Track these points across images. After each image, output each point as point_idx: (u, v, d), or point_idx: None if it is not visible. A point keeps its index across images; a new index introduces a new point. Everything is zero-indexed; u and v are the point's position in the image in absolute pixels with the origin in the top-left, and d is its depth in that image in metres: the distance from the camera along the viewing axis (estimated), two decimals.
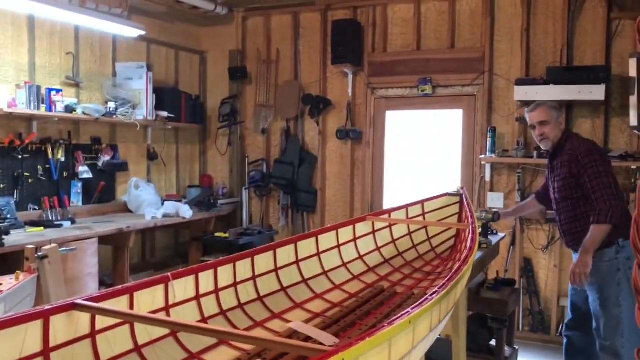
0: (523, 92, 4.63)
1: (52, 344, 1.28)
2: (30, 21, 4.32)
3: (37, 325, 1.26)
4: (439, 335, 3.61)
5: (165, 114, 5.27)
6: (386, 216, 2.81)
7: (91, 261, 3.92)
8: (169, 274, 1.66)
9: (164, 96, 5.34)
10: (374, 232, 2.72)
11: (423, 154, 5.46)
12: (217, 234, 5.30)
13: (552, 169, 3.30)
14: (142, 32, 4.75)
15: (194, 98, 5.88)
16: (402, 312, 1.32)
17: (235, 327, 1.80)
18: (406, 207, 2.94)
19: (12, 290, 2.23)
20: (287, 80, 5.85)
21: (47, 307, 1.30)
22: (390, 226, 2.82)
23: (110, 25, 4.54)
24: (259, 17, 5.96)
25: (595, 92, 4.40)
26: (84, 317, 1.38)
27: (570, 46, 4.75)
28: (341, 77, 5.64)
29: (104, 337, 1.43)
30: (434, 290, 1.54)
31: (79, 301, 1.34)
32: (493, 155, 4.86)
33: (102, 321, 1.43)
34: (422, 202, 3.01)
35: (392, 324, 1.23)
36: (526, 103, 4.79)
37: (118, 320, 1.46)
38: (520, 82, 4.67)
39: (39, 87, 4.20)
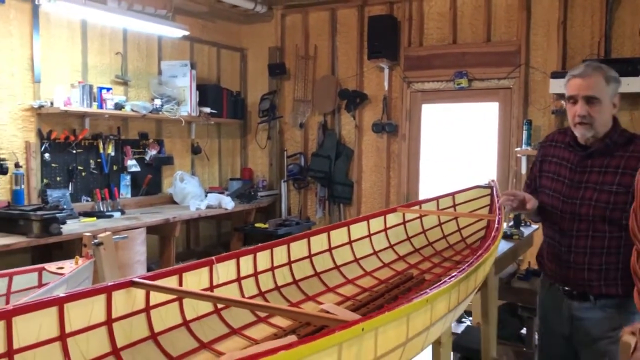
0: (559, 85, 4.63)
1: (113, 315, 1.48)
2: (83, 25, 4.60)
3: (101, 298, 1.46)
4: (470, 322, 3.72)
5: (208, 109, 5.51)
6: (417, 207, 2.94)
7: (140, 249, 4.19)
8: (213, 257, 1.84)
9: (206, 93, 5.58)
10: (404, 222, 2.85)
11: (459, 146, 5.53)
12: (257, 225, 5.52)
13: (582, 171, 2.19)
14: (186, 32, 4.98)
15: (234, 94, 6.10)
16: (421, 292, 1.46)
17: None
18: (437, 198, 3.05)
19: (73, 273, 2.48)
20: (324, 76, 6.00)
21: (109, 283, 1.50)
22: (420, 217, 2.94)
23: (155, 27, 4.78)
24: (297, 14, 6.12)
25: (633, 84, 4.39)
26: (140, 294, 1.57)
27: (608, 38, 4.73)
28: (377, 72, 5.75)
29: (157, 312, 1.62)
30: (453, 274, 1.67)
31: (136, 279, 1.54)
32: (529, 148, 4.90)
33: (155, 298, 1.62)
34: (452, 194, 3.11)
35: (410, 302, 1.37)
36: (562, 96, 4.81)
37: (170, 297, 1.65)
38: (556, 75, 4.69)
39: (91, 86, 4.48)
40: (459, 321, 3.93)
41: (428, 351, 2.50)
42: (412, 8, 5.55)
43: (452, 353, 3.33)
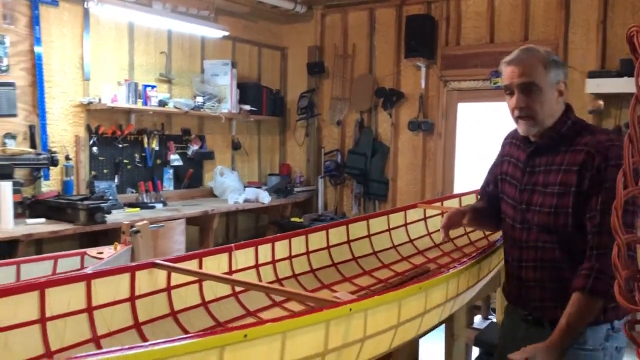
0: (595, 85, 4.60)
1: (137, 293, 1.65)
2: (130, 26, 4.85)
3: (126, 277, 1.63)
4: (495, 319, 3.75)
5: (248, 107, 5.70)
6: (438, 204, 3.01)
7: (179, 239, 4.40)
8: (232, 244, 1.99)
9: (247, 91, 5.77)
10: (425, 218, 2.94)
11: (495, 145, 5.51)
12: (292, 219, 5.68)
13: (531, 172, 1.90)
14: (226, 33, 5.18)
15: (274, 92, 6.27)
16: (416, 280, 1.57)
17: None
18: (459, 195, 3.12)
19: (111, 257, 2.68)
20: (361, 74, 6.09)
21: (132, 264, 1.67)
22: (442, 214, 3.01)
23: (198, 28, 5.00)
24: (337, 14, 6.23)
25: None
26: (162, 274, 1.73)
27: None
28: (414, 70, 5.80)
29: (178, 292, 1.78)
30: (453, 266, 1.76)
31: (157, 261, 1.70)
32: None
33: (176, 279, 1.78)
34: (475, 191, 3.16)
35: (404, 287, 1.48)
36: (599, 96, 4.75)
37: (190, 279, 1.81)
38: (592, 75, 4.64)
39: (136, 84, 4.73)
40: (486, 318, 3.97)
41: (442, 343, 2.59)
42: (449, 7, 5.57)
43: (474, 348, 3.39)
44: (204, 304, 1.84)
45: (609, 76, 4.55)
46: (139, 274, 1.65)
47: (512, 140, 2.08)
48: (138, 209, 4.61)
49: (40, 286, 1.39)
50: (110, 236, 4.09)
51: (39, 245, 4.13)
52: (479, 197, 2.34)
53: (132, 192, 4.93)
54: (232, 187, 5.53)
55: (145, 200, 4.87)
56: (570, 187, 1.71)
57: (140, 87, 4.77)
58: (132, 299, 1.63)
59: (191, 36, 5.36)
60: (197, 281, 1.84)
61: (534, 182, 1.85)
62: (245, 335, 1.04)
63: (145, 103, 4.79)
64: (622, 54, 4.73)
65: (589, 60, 4.89)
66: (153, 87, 4.88)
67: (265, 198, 5.41)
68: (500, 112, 5.42)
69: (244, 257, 2.04)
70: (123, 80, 4.69)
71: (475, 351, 3.39)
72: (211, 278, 1.74)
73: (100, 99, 4.50)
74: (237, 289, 1.95)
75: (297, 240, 2.28)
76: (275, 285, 2.12)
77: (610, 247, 1.34)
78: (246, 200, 5.35)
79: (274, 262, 2.16)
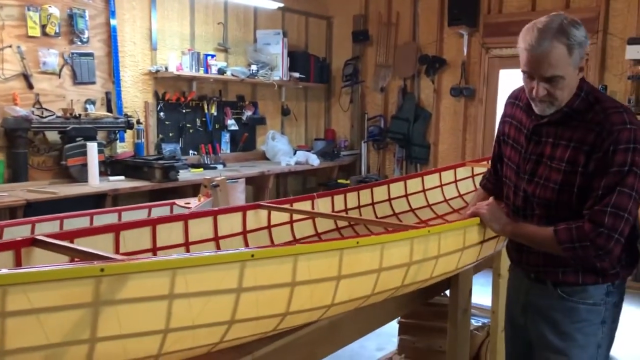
0: (635, 51, 4.79)
1: (247, 228, 2.04)
2: None
3: (239, 215, 2.02)
4: None
5: (297, 74, 6.03)
6: (485, 162, 3.32)
7: (240, 196, 4.81)
8: (314, 194, 2.37)
9: (296, 59, 6.09)
10: (473, 176, 3.26)
11: None
12: (339, 181, 6.06)
13: (537, 142, 1.83)
14: (281, 4, 5.49)
15: (321, 60, 6.57)
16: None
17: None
18: None
19: (198, 206, 3.10)
20: (405, 42, 6.34)
21: (243, 204, 2.06)
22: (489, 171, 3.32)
23: None
24: None
25: None
26: (264, 214, 2.12)
27: None
28: (457, 38, 6.03)
29: (275, 230, 2.17)
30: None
31: (262, 203, 2.09)
32: None
33: (274, 219, 2.16)
34: None
35: (466, 219, 1.83)
36: (639, 62, 4.93)
37: (284, 220, 2.20)
38: (632, 41, 4.82)
39: (198, 54, 5.10)
40: None
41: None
42: None
43: None
44: (295, 240, 2.23)
45: None
46: (248, 213, 2.04)
47: (514, 101, 1.96)
48: (202, 169, 5.04)
49: (183, 217, 1.79)
50: (179, 193, 4.52)
51: (115, 200, 4.58)
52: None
53: (194, 154, 5.35)
54: (283, 151, 5.91)
55: (206, 162, 5.28)
56: (577, 166, 1.69)
57: (201, 56, 5.13)
58: (244, 233, 2.02)
59: (245, 7, 5.69)
60: (289, 222, 2.22)
61: (539, 152, 1.80)
62: (357, 242, 1.40)
63: (206, 71, 5.16)
64: None
65: (630, 27, 5.05)
66: (213, 56, 5.25)
67: (314, 161, 5.79)
68: None
69: (324, 204, 2.41)
70: (186, 49, 5.06)
71: None
72: (303, 213, 2.13)
73: (166, 68, 4.88)
74: (320, 230, 2.33)
75: (364, 193, 2.65)
76: (348, 229, 2.51)
77: (599, 222, 1.60)
78: (297, 163, 5.74)
79: (346, 210, 2.53)
